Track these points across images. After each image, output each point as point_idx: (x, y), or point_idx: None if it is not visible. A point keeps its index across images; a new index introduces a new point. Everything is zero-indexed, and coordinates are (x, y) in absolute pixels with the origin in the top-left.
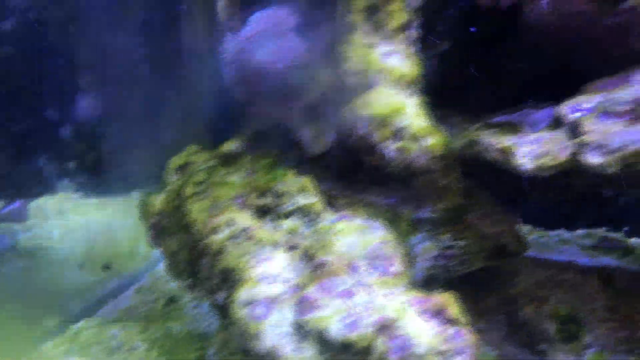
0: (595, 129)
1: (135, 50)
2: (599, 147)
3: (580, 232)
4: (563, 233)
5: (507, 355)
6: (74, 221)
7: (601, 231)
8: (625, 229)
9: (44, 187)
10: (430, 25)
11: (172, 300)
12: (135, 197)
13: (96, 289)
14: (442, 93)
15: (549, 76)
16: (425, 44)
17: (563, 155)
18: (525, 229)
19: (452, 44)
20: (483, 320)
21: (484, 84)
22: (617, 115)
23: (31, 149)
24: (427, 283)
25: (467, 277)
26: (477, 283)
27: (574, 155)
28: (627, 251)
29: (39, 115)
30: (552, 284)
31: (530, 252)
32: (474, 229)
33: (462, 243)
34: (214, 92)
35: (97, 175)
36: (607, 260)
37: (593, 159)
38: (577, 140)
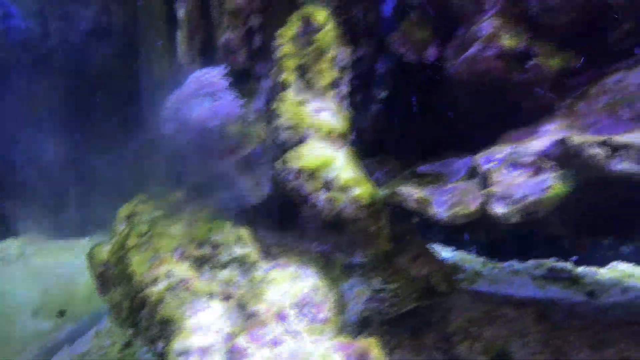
0: (502, 180)
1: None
2: (504, 198)
3: (531, 262)
4: (514, 264)
5: None
6: (34, 265)
7: (550, 261)
8: (574, 258)
9: (6, 229)
10: (360, 81)
11: (128, 344)
12: (95, 240)
13: (52, 334)
14: (379, 142)
15: (470, 127)
16: (356, 99)
17: (473, 206)
18: (479, 260)
19: (384, 97)
20: (421, 358)
21: (414, 133)
22: (523, 166)
23: None
24: (362, 326)
25: (405, 316)
26: (416, 321)
27: (483, 205)
28: (573, 281)
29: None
30: (488, 319)
31: (481, 286)
32: (404, 272)
33: (392, 286)
34: (160, 144)
35: (58, 218)
36: (554, 290)
37: (498, 209)
38: (485, 191)
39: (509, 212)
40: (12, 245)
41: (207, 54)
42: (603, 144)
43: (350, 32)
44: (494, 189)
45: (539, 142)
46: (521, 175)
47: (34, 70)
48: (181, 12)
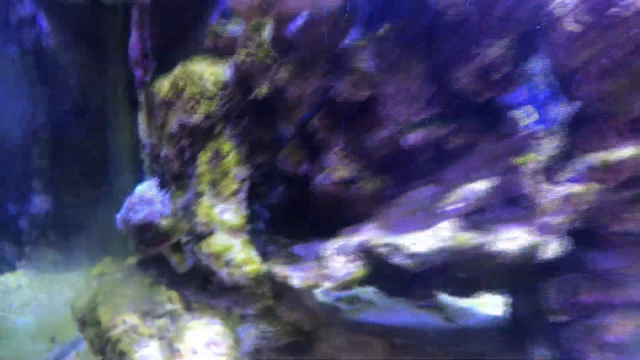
0: (333, 264)
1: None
2: (330, 278)
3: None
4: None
5: None
6: (28, 295)
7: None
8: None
9: (6, 266)
10: (261, 181)
11: None
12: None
13: (45, 354)
14: (274, 226)
15: (325, 223)
16: (257, 197)
17: (312, 281)
18: (375, 294)
19: (276, 197)
20: None
21: (293, 223)
22: (346, 254)
23: None
24: (254, 354)
25: (287, 346)
26: (294, 350)
27: (318, 282)
28: (439, 309)
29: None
30: (350, 346)
31: (369, 315)
32: (282, 318)
33: (274, 328)
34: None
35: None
36: (425, 316)
37: (327, 284)
38: (321, 271)
39: (335, 286)
40: (10, 278)
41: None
42: (386, 245)
43: (251, 150)
44: (326, 271)
45: (357, 238)
46: (344, 261)
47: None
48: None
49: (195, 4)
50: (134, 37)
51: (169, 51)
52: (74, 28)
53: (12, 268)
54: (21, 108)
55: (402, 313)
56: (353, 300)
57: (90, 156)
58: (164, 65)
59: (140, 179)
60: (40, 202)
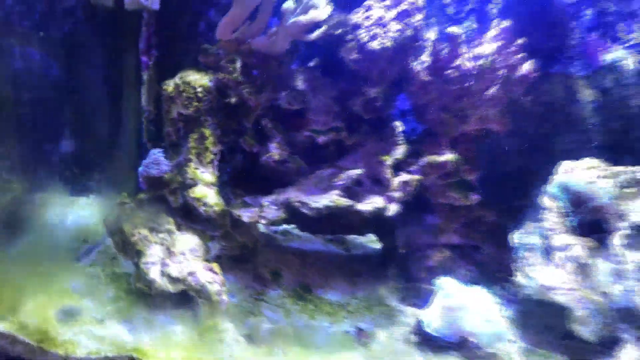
0: (267, 210)
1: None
2: (265, 218)
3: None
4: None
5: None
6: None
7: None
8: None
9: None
10: (224, 158)
11: (114, 257)
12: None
13: (79, 250)
14: (236, 184)
15: (267, 185)
16: (222, 167)
17: (255, 219)
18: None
19: (237, 166)
20: (243, 273)
21: (248, 183)
22: (275, 205)
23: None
24: (216, 258)
25: (239, 256)
26: (242, 257)
27: (258, 219)
28: (342, 242)
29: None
30: (277, 258)
31: (294, 244)
32: (235, 239)
33: (230, 244)
34: None
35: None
36: (332, 247)
37: (263, 221)
38: (259, 213)
39: (266, 223)
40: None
41: None
42: (299, 201)
43: (223, 133)
44: (263, 213)
45: (283, 196)
46: (275, 209)
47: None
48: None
49: (189, 22)
50: (143, 33)
51: (167, 46)
52: (103, 23)
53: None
54: (60, 75)
55: (316, 244)
56: (285, 233)
57: (107, 114)
58: (164, 56)
59: (140, 134)
60: (66, 145)
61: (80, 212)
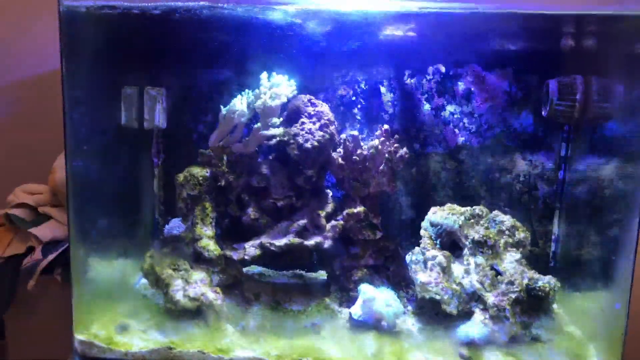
0: (248, 250)
1: None
2: (247, 255)
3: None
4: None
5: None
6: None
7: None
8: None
9: None
10: (218, 221)
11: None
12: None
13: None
14: (225, 238)
15: (248, 235)
16: (216, 226)
17: (241, 257)
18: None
19: (226, 225)
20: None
21: (234, 236)
22: (254, 247)
23: None
24: (217, 285)
25: (230, 285)
26: (232, 286)
27: (243, 258)
28: (300, 276)
29: None
30: (255, 286)
31: (267, 278)
32: (228, 272)
33: (224, 277)
34: None
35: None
36: (293, 279)
37: (247, 257)
38: (244, 253)
39: (248, 259)
40: None
41: None
42: (269, 243)
43: (217, 205)
44: (245, 253)
45: (258, 241)
46: (254, 249)
47: None
48: None
49: (185, 134)
50: (153, 143)
51: (169, 151)
52: (129, 136)
53: None
54: (98, 174)
55: (282, 278)
56: (260, 274)
57: (131, 199)
58: (168, 157)
59: (153, 211)
60: (104, 223)
61: (118, 267)
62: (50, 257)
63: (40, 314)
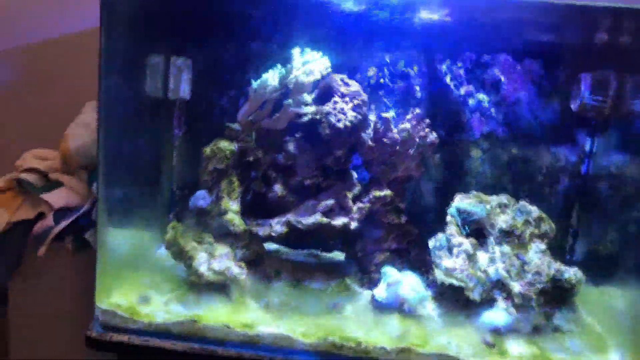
0: (274, 227)
1: None
2: (274, 232)
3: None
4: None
5: None
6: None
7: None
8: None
9: None
10: (243, 196)
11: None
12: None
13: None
14: (250, 213)
15: (273, 212)
16: (241, 201)
17: (267, 234)
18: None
19: (251, 200)
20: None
21: (259, 212)
22: (280, 224)
23: None
24: (241, 259)
25: (252, 260)
26: (254, 261)
27: (270, 234)
28: (318, 256)
29: None
30: (276, 263)
31: (288, 256)
32: (251, 248)
33: (248, 252)
34: None
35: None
36: (311, 258)
37: (273, 234)
38: (270, 230)
39: (276, 235)
40: None
41: None
42: (296, 220)
43: (242, 180)
44: (272, 230)
45: (284, 218)
46: (280, 226)
47: None
48: None
49: (206, 107)
50: (176, 113)
51: (190, 123)
52: (152, 107)
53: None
54: (124, 144)
55: (301, 257)
56: (277, 251)
57: (151, 170)
58: (188, 129)
59: (171, 183)
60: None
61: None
62: (64, 223)
63: (45, 282)
